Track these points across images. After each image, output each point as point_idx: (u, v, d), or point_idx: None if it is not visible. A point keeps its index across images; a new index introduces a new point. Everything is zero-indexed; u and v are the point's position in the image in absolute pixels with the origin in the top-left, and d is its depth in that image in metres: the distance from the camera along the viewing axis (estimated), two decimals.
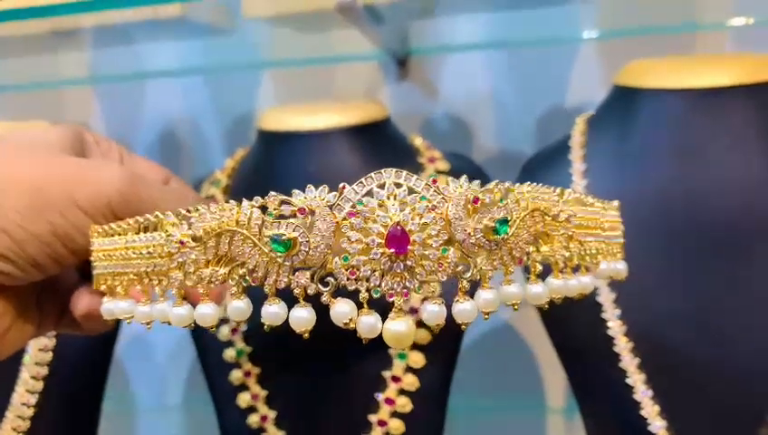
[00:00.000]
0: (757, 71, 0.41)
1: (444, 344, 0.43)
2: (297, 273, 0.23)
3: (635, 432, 0.40)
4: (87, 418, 0.50)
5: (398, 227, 0.23)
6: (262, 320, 0.24)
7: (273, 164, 0.46)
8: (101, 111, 0.79)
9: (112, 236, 0.28)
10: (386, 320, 0.23)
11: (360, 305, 0.24)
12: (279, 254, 0.23)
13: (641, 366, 0.40)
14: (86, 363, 0.48)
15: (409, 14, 0.63)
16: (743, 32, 0.62)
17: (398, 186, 0.23)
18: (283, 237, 0.23)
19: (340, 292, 0.24)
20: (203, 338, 0.46)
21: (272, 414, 0.44)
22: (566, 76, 0.66)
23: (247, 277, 0.24)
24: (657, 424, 0.39)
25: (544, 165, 0.47)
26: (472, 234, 0.23)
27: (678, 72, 0.42)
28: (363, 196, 0.23)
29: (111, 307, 0.28)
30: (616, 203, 0.32)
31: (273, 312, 0.24)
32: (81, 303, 0.30)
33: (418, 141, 0.50)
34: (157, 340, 0.82)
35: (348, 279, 0.23)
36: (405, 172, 0.23)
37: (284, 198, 0.23)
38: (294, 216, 0.23)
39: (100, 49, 0.74)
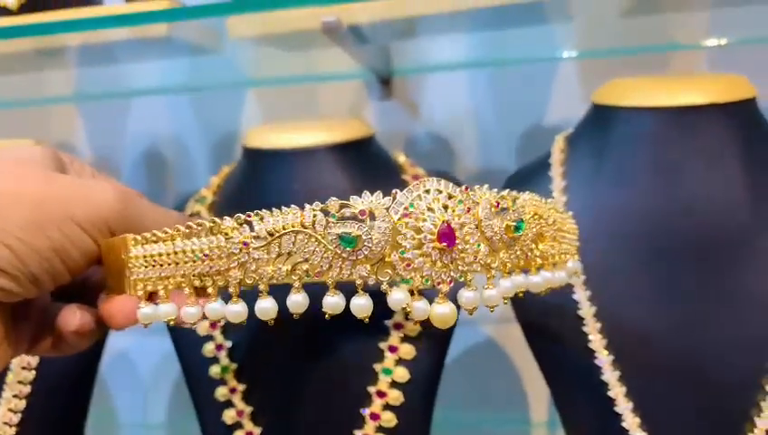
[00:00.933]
0: (732, 90, 0.42)
1: (429, 359, 0.44)
2: (357, 266, 0.27)
3: None
4: None
5: (446, 225, 0.26)
6: (324, 310, 0.27)
7: (259, 181, 0.47)
8: (86, 130, 0.79)
9: (156, 242, 0.29)
10: (432, 305, 0.27)
11: (411, 293, 0.27)
12: (345, 250, 0.26)
13: (622, 379, 0.41)
14: (70, 382, 0.47)
15: (392, 35, 0.64)
16: (716, 52, 0.64)
17: (440, 191, 0.27)
18: (351, 235, 0.26)
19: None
20: (188, 355, 0.46)
21: (257, 431, 0.44)
22: (546, 95, 0.68)
23: (310, 272, 0.27)
24: None
25: (525, 181, 0.48)
26: (497, 232, 0.28)
27: (655, 90, 0.43)
28: (413, 199, 0.27)
29: (150, 312, 0.30)
30: (570, 212, 0.36)
31: (333, 302, 0.27)
32: (74, 319, 0.31)
33: (402, 159, 0.51)
34: (139, 357, 0.81)
35: (404, 270, 0.26)
36: (443, 180, 0.27)
37: (344, 202, 0.27)
38: (355, 217, 0.26)
39: (85, 67, 0.75)
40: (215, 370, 0.45)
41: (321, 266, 0.27)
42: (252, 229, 0.27)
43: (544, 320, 0.44)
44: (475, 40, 0.68)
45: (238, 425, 0.44)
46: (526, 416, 0.73)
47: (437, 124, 0.71)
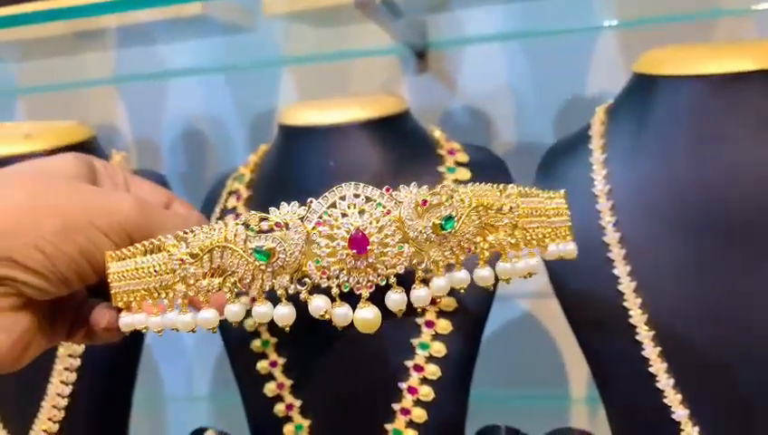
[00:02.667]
0: None
1: (466, 334, 0.44)
2: (278, 277, 0.28)
3: (657, 420, 0.40)
4: (119, 408, 0.51)
5: (359, 232, 0.27)
6: (254, 317, 0.29)
7: (295, 158, 0.47)
8: (126, 111, 0.80)
9: (124, 259, 0.31)
10: (355, 310, 0.28)
11: (333, 299, 0.28)
12: (262, 262, 0.27)
13: (663, 354, 0.40)
14: (117, 355, 0.49)
15: (426, 7, 0.63)
16: (767, 17, 0.61)
17: (357, 196, 0.28)
18: (264, 248, 0.27)
19: (316, 291, 0.28)
20: (230, 329, 0.47)
21: (297, 403, 0.44)
22: (584, 66, 0.66)
23: (238, 284, 0.28)
24: (681, 412, 0.39)
25: (565, 154, 0.47)
26: (422, 231, 0.28)
27: (699, 58, 0.41)
28: (328, 207, 0.28)
29: (129, 320, 0.32)
30: (562, 191, 0.35)
31: (262, 311, 0.29)
32: (104, 318, 0.34)
33: (438, 133, 0.51)
34: None
35: (320, 278, 0.28)
36: (362, 184, 0.28)
37: (263, 215, 0.28)
38: (272, 229, 0.27)
39: (123, 49, 0.76)
40: (256, 343, 0.45)
41: (245, 279, 0.28)
42: (187, 246, 0.29)
43: (583, 295, 0.43)
44: (512, 10, 0.66)
45: (279, 398, 0.45)
46: (566, 392, 0.73)
47: (474, 98, 0.70)
